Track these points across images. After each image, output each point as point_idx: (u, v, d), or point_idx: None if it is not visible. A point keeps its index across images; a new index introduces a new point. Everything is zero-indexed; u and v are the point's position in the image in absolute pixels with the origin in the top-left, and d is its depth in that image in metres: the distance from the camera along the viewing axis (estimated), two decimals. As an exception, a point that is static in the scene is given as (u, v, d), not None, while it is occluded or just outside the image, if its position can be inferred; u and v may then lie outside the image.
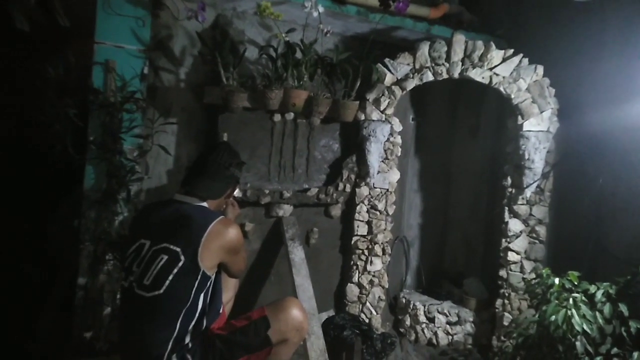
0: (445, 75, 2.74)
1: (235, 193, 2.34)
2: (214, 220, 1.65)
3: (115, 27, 2.37)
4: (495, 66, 2.70)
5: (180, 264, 1.59)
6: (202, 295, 1.65)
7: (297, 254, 2.65)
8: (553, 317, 1.96)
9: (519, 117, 2.72)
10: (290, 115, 2.74)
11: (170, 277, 1.58)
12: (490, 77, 2.71)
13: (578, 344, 1.94)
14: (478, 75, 2.71)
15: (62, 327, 2.39)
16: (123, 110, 2.34)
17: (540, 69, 2.72)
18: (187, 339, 1.63)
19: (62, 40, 2.39)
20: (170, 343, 1.58)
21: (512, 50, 2.72)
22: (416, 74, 2.74)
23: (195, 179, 1.79)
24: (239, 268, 1.83)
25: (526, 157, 2.69)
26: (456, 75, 2.73)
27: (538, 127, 2.71)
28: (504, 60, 2.70)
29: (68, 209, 2.43)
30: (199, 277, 1.61)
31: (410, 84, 2.75)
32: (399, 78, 2.76)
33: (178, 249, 1.60)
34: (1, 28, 2.03)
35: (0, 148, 2.51)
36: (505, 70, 2.70)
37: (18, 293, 2.49)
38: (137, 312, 1.63)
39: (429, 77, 2.74)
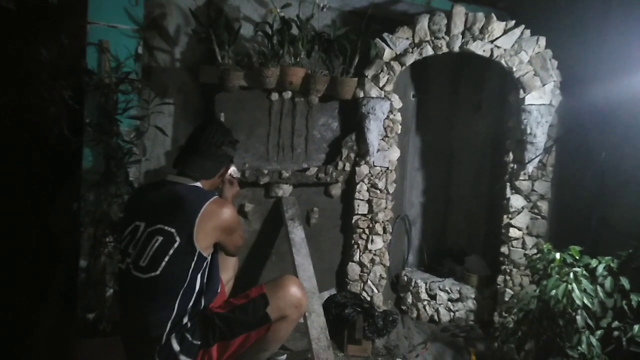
0: (445, 49, 2.68)
1: (234, 174, 2.32)
2: (207, 201, 1.64)
3: (107, 6, 2.32)
4: (497, 38, 2.64)
5: (176, 245, 1.58)
6: (199, 275, 1.65)
7: (297, 233, 2.65)
8: (553, 292, 1.96)
9: (521, 91, 2.67)
10: (287, 94, 2.70)
11: (166, 259, 1.58)
12: (491, 50, 2.65)
13: (578, 317, 1.94)
14: (479, 48, 2.65)
15: (65, 309, 2.42)
16: (118, 92, 2.31)
17: (543, 41, 2.66)
18: (186, 319, 1.63)
19: (54, 21, 2.35)
20: (169, 323, 1.59)
21: (513, 22, 2.65)
22: (415, 48, 2.68)
23: (188, 159, 1.77)
24: (235, 245, 1.83)
25: (528, 131, 2.65)
26: (456, 48, 2.67)
27: (540, 101, 2.66)
28: (505, 32, 2.64)
29: (67, 192, 2.43)
30: (195, 258, 1.61)
31: (410, 59, 2.69)
32: (398, 53, 2.71)
33: (173, 230, 1.59)
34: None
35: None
36: (507, 43, 2.64)
37: (20, 277, 2.51)
38: (134, 293, 1.64)
39: (428, 51, 2.68)
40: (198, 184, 1.76)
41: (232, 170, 2.19)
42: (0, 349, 2.25)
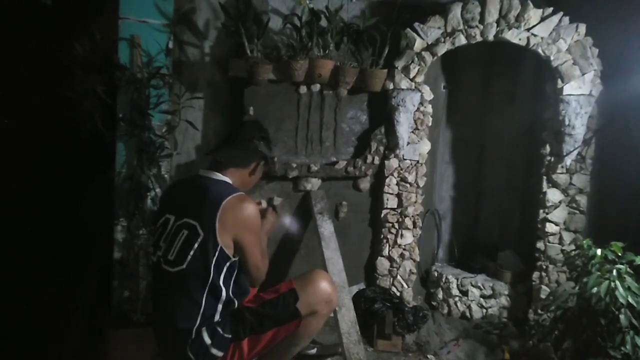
0: (479, 38, 2.59)
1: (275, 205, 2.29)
2: (230, 195, 1.63)
3: (138, 2, 2.35)
4: (533, 26, 2.54)
5: (200, 238, 1.58)
6: (224, 270, 1.62)
7: (326, 227, 2.63)
8: (595, 289, 1.88)
9: (559, 81, 2.57)
10: (316, 87, 2.68)
11: (192, 252, 1.58)
12: (528, 39, 2.55)
13: (622, 316, 1.86)
14: (514, 36, 2.55)
15: (100, 300, 2.48)
16: (150, 86, 2.34)
17: (582, 28, 2.54)
18: (217, 316, 1.63)
19: (87, 16, 2.39)
20: (199, 317, 1.59)
21: (551, 9, 2.54)
22: (448, 37, 2.61)
23: (219, 150, 1.81)
24: (255, 263, 1.72)
25: (566, 122, 2.55)
26: (491, 37, 2.58)
27: (579, 91, 2.54)
28: (543, 19, 2.53)
29: (101, 185, 2.48)
30: (217, 253, 1.59)
31: (442, 49, 2.62)
32: (429, 43, 2.64)
33: (196, 224, 1.60)
34: (27, 6, 2.04)
35: (33, 128, 2.57)
36: (544, 31, 2.53)
37: (56, 268, 2.58)
38: (164, 287, 1.66)
39: (461, 40, 2.61)
40: (227, 179, 1.75)
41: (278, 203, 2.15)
42: (38, 338, 2.32)
